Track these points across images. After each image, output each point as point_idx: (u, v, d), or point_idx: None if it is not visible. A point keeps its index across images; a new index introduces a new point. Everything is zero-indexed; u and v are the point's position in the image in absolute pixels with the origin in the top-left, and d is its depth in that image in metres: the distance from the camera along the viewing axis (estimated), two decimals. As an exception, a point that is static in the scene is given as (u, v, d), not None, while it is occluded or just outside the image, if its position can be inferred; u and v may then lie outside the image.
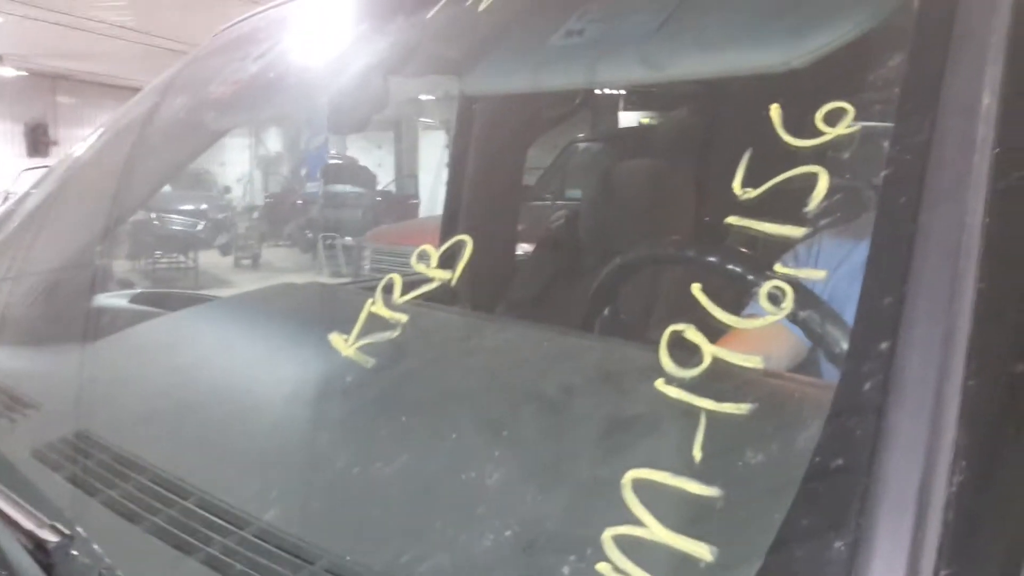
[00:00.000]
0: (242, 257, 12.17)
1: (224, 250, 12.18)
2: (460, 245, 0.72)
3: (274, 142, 15.98)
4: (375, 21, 1.21)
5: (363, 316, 0.74)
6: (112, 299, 1.85)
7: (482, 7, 0.94)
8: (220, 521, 0.67)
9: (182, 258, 11.09)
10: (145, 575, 0.65)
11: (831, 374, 1.05)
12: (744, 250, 0.97)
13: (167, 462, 0.76)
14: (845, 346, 0.86)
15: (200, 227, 11.16)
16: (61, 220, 1.68)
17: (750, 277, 0.92)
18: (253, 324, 1.17)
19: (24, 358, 1.23)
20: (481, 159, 2.19)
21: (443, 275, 0.73)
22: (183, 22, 11.65)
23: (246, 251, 12.27)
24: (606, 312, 1.13)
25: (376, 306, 0.74)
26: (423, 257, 0.74)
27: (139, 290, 1.87)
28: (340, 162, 14.93)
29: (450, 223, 2.25)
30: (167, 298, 1.82)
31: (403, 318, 0.74)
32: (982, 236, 0.52)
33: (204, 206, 11.47)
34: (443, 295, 0.76)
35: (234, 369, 1.00)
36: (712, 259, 0.96)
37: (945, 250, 0.52)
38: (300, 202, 13.05)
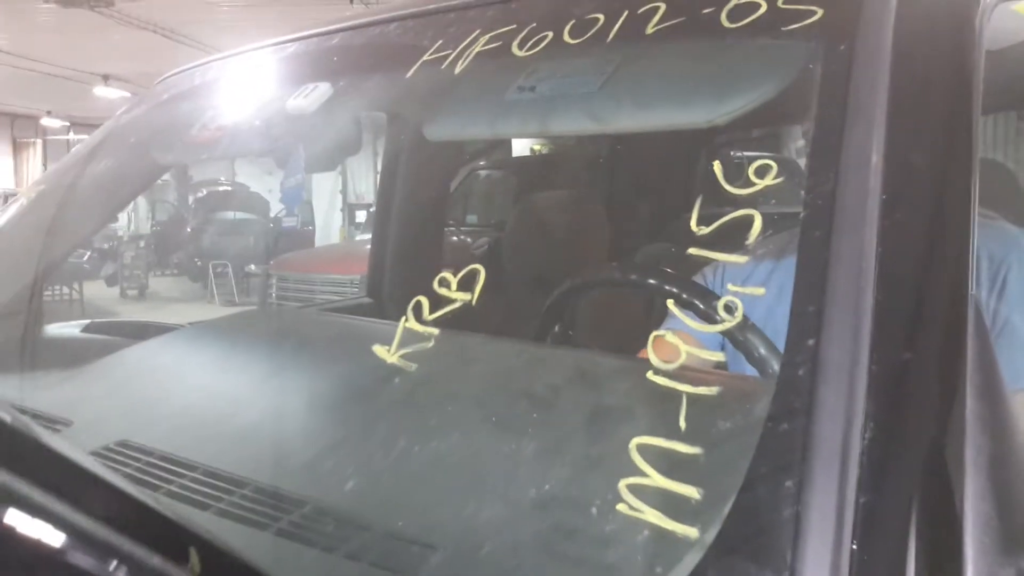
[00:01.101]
0: (129, 288, 11.84)
1: (110, 281, 11.81)
2: (475, 272, 0.88)
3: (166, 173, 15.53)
4: (346, 76, 1.36)
5: (400, 330, 0.90)
6: (66, 329, 1.91)
7: (458, 70, 1.11)
8: (282, 504, 0.80)
9: (66, 290, 10.70)
10: (228, 545, 0.78)
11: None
12: (671, 272, 1.16)
13: (215, 460, 0.89)
14: (763, 351, 1.06)
15: (86, 257, 10.82)
16: (11, 253, 1.74)
17: (683, 296, 1.11)
18: (251, 341, 1.29)
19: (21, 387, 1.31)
20: (408, 190, 2.34)
21: (464, 296, 0.89)
22: (61, 47, 11.30)
23: (132, 281, 11.93)
24: (556, 328, 1.30)
25: (409, 322, 0.90)
26: (443, 283, 0.90)
27: (88, 321, 1.93)
28: (230, 188, 14.51)
29: (379, 249, 2.38)
30: (119, 327, 1.89)
31: (435, 331, 0.89)
32: (876, 260, 0.72)
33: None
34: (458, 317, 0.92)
35: (256, 378, 1.12)
36: (653, 281, 1.15)
37: (851, 271, 0.72)
38: (189, 230, 12.69)
